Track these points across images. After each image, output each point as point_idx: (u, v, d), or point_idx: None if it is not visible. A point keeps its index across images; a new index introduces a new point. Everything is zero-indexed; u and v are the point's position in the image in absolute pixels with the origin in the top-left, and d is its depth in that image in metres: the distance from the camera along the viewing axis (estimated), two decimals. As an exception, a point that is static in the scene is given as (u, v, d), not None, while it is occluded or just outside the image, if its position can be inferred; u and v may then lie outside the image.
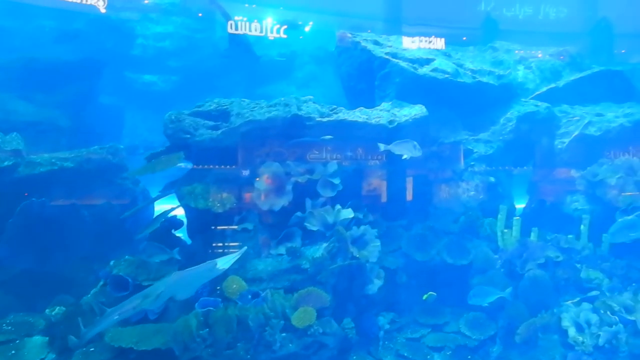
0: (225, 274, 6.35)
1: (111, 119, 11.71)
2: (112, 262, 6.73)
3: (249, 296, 6.54)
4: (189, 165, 7.71)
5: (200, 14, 13.74)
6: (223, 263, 5.64)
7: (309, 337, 6.28)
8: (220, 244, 7.38)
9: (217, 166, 7.78)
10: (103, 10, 9.79)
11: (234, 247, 7.31)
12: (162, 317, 6.20)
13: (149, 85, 13.52)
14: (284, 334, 6.16)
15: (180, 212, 7.55)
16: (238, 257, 5.78)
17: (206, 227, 7.38)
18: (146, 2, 13.40)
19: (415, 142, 7.90)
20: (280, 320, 6.20)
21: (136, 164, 8.23)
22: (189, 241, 7.65)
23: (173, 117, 7.61)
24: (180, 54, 13.69)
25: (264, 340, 6.07)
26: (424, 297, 7.32)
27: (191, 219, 7.58)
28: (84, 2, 9.50)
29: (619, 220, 7.56)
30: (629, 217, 7.48)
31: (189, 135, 7.56)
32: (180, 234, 7.75)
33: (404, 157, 7.86)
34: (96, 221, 8.04)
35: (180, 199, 7.44)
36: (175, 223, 7.46)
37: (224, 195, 7.46)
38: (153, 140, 9.49)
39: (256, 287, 6.73)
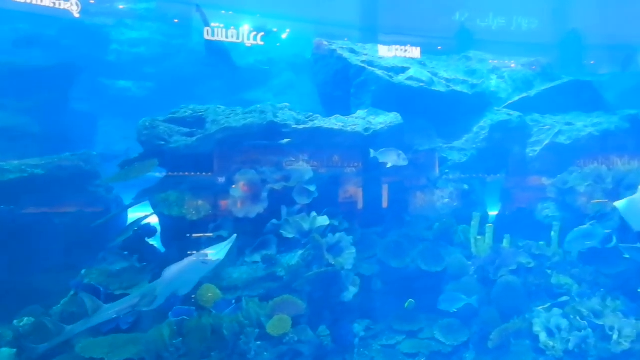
0: (200, 282, 6.32)
1: (84, 126, 11.54)
2: (83, 271, 6.63)
3: (232, 302, 6.53)
4: (158, 174, 7.66)
5: (176, 20, 13.66)
6: (216, 253, 5.63)
7: (284, 345, 6.27)
8: (195, 252, 7.31)
9: (192, 173, 7.72)
10: (77, 15, 9.64)
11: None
12: (134, 326, 6.12)
13: (124, 92, 13.36)
14: (258, 343, 6.14)
15: (154, 220, 7.48)
16: (230, 245, 5.83)
17: (180, 235, 7.31)
18: (121, 7, 13.27)
19: (401, 152, 8.04)
20: (255, 329, 6.17)
21: (109, 171, 8.13)
22: (162, 249, 7.58)
23: (147, 124, 7.55)
24: (156, 60, 13.57)
25: (239, 349, 6.03)
26: (406, 305, 7.38)
27: (165, 226, 7.51)
28: (57, 6, 9.34)
29: (575, 229, 7.71)
30: (584, 226, 7.63)
31: (163, 142, 7.50)
32: (154, 242, 7.68)
33: (389, 165, 7.97)
34: (67, 229, 7.88)
35: (154, 206, 7.37)
36: (149, 231, 7.39)
37: (199, 202, 7.41)
38: (127, 147, 9.35)
39: (231, 296, 6.70)
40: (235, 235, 6.09)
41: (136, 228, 7.25)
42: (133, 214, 7.87)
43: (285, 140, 7.78)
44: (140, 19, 13.46)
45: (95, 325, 5.56)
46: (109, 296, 6.15)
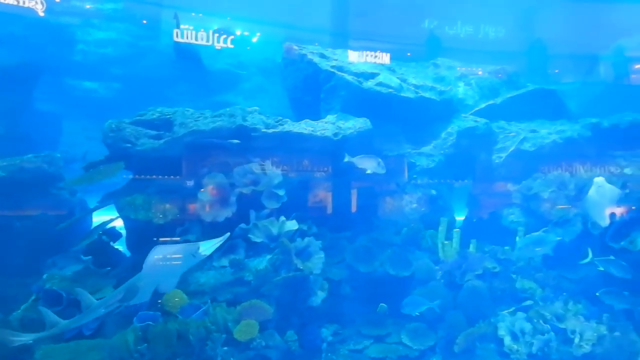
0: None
1: (48, 127, 11.30)
2: (45, 276, 6.46)
3: (206, 303, 6.44)
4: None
5: (144, 21, 13.49)
6: (205, 249, 5.59)
7: (251, 350, 6.22)
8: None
9: (159, 176, 7.64)
10: (41, 14, 9.44)
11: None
12: (97, 332, 5.98)
13: (90, 92, 13.16)
14: (225, 348, 6.08)
15: (119, 224, 7.36)
16: (220, 243, 5.79)
17: (147, 239, 7.18)
18: (88, 7, 13.05)
19: (380, 159, 8.09)
20: (222, 334, 6.11)
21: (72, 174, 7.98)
22: (128, 253, 7.45)
23: (113, 126, 7.43)
24: (123, 61, 13.39)
25: (205, 355, 5.96)
26: (378, 309, 7.43)
27: (131, 230, 7.40)
28: (20, 4, 9.13)
29: (527, 235, 7.88)
30: (536, 233, 7.79)
31: (129, 145, 7.39)
32: (120, 246, 7.55)
33: (368, 171, 8.01)
34: (30, 233, 7.70)
35: (119, 210, 7.25)
36: (114, 235, 7.26)
37: (166, 206, 7.32)
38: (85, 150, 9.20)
39: (198, 300, 6.61)
40: (228, 233, 6.03)
41: (101, 232, 7.12)
42: (98, 218, 7.73)
43: (235, 141, 7.70)
44: (107, 19, 13.28)
45: (87, 322, 5.57)
46: (71, 301, 6.00)
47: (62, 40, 12.64)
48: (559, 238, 7.66)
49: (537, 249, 7.65)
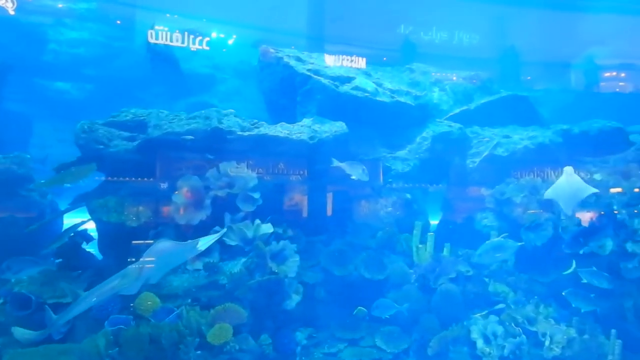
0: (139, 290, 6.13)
1: (18, 127, 11.07)
2: (13, 279, 6.31)
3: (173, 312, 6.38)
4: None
5: (118, 22, 13.33)
6: (202, 244, 5.72)
7: (225, 354, 6.18)
8: (134, 260, 7.10)
9: (132, 179, 7.54)
10: (12, 13, 9.24)
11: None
12: (68, 336, 5.88)
13: (62, 93, 12.94)
14: (198, 352, 6.01)
15: (91, 226, 7.24)
16: (217, 238, 5.97)
17: (119, 242, 7.10)
18: (60, 6, 12.84)
19: (364, 167, 8.20)
20: (195, 338, 6.05)
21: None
22: (100, 256, 7.33)
23: (85, 127, 7.33)
24: (96, 61, 13.20)
25: (178, 359, 5.89)
26: (356, 312, 7.45)
27: (103, 233, 7.29)
28: (-10, 2, 8.94)
29: (487, 242, 7.97)
30: (496, 239, 7.88)
31: (102, 146, 7.31)
32: (92, 249, 7.43)
33: (353, 177, 8.07)
34: (-2, 236, 7.53)
35: (91, 212, 7.13)
36: (85, 237, 7.14)
37: (139, 208, 7.23)
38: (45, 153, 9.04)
39: (171, 304, 6.54)
40: (225, 229, 5.99)
41: (72, 234, 6.99)
42: (69, 220, 7.59)
43: (188, 137, 7.63)
44: (80, 19, 13.09)
45: (79, 314, 5.55)
46: (40, 305, 5.88)
47: (33, 39, 12.43)
48: (520, 243, 7.77)
49: (497, 255, 7.75)
